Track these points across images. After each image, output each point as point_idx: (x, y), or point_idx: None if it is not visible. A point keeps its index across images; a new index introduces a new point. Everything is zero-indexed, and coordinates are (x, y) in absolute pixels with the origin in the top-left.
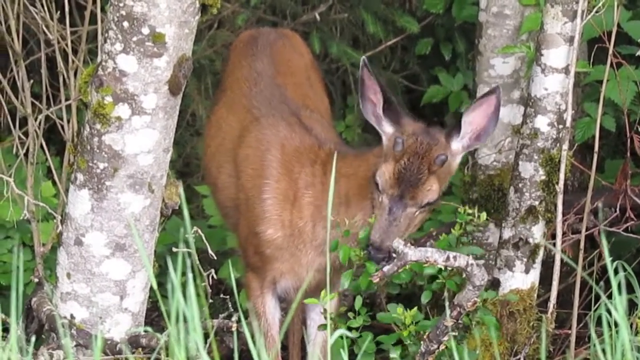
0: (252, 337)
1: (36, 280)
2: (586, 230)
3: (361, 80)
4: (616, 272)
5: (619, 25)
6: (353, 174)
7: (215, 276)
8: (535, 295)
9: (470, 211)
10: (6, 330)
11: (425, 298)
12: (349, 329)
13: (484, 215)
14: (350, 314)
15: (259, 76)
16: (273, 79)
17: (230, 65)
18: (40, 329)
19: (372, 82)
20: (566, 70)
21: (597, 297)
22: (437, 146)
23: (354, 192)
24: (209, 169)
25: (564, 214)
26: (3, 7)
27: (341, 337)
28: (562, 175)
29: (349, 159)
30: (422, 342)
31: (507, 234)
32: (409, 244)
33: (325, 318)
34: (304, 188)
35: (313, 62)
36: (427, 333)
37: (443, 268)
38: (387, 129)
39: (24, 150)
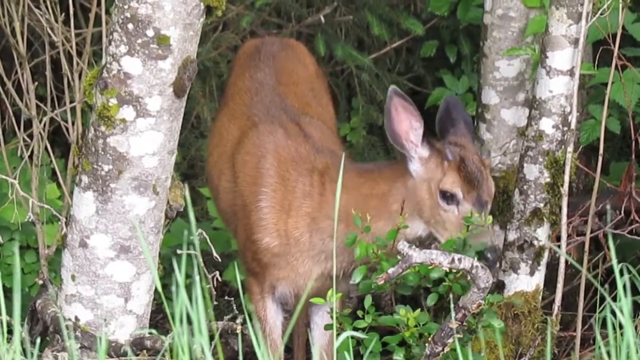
0: (257, 339)
1: (41, 282)
2: (591, 233)
3: (390, 110)
4: (621, 274)
5: (623, 28)
6: (355, 190)
7: (219, 278)
8: (540, 297)
9: (477, 215)
10: (11, 332)
11: (431, 301)
12: (356, 329)
13: (490, 218)
14: (360, 313)
15: (260, 86)
16: (274, 88)
17: (234, 75)
18: (45, 331)
19: (409, 109)
20: (571, 73)
21: (602, 299)
22: (472, 145)
23: (355, 209)
24: (211, 177)
25: (568, 216)
26: (8, 10)
27: (346, 338)
28: (567, 178)
29: (351, 173)
30: (426, 345)
31: (512, 236)
32: (413, 246)
33: (332, 318)
34: (301, 198)
35: (318, 73)
36: (432, 335)
37: (449, 271)
38: (423, 152)
39: (29, 153)
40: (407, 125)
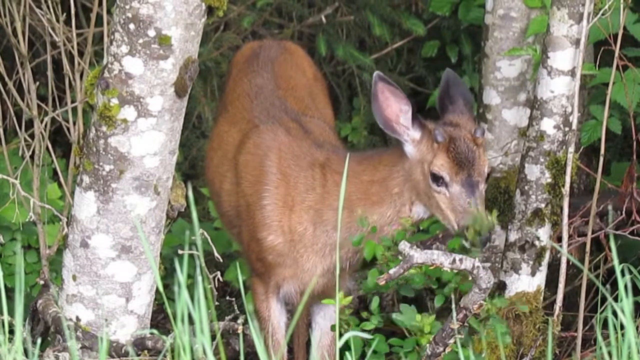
0: (259, 339)
1: (42, 282)
2: (592, 233)
3: (377, 96)
4: (622, 274)
5: (625, 28)
6: (356, 177)
7: (221, 278)
8: (542, 297)
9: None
10: (12, 332)
11: (438, 302)
12: (361, 330)
13: (494, 213)
14: (365, 314)
15: (259, 90)
16: (273, 92)
17: (232, 81)
18: (46, 331)
19: (396, 92)
20: (572, 73)
21: (603, 300)
22: (470, 122)
23: (357, 196)
24: (212, 181)
25: (570, 217)
26: (9, 9)
27: (355, 339)
28: (568, 178)
29: (352, 161)
30: (428, 345)
31: (513, 236)
32: (414, 247)
33: (334, 319)
34: (303, 192)
35: (317, 76)
36: (433, 336)
37: (456, 273)
38: (415, 135)
39: (30, 153)
40: (396, 109)
